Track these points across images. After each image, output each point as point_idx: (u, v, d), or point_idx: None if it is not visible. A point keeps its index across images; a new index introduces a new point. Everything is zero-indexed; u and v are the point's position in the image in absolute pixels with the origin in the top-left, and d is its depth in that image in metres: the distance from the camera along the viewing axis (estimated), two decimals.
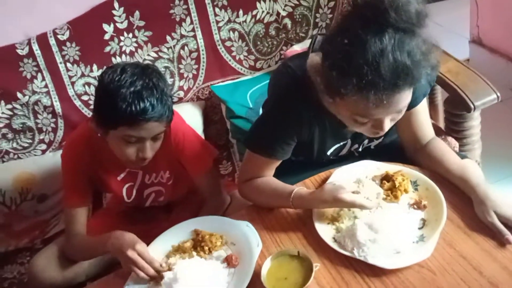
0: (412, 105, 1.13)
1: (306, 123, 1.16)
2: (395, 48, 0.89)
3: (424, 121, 1.22)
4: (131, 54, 1.72)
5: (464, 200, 1.06)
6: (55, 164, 1.66)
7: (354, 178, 1.15)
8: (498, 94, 1.37)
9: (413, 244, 0.99)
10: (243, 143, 1.30)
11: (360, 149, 1.31)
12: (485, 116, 1.49)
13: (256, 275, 0.99)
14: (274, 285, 0.95)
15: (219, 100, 1.75)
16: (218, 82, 1.81)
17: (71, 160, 1.34)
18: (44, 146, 1.72)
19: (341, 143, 1.26)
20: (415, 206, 1.08)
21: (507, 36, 2.43)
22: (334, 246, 1.02)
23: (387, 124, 1.02)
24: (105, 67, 1.67)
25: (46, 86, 1.67)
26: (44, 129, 1.71)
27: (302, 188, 1.16)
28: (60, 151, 1.70)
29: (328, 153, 1.27)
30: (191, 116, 1.77)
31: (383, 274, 0.95)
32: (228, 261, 1.06)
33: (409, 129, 1.22)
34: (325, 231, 1.06)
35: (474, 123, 1.45)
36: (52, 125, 1.71)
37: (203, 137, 1.75)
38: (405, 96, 0.96)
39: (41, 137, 1.71)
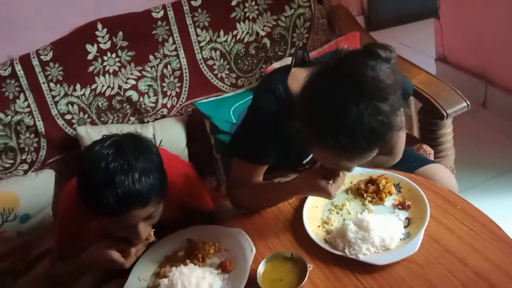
0: None
1: (282, 137, 1.18)
2: (371, 116, 0.90)
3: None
4: (115, 73, 1.75)
5: (445, 199, 1.12)
6: (38, 184, 1.66)
7: None
8: (468, 102, 1.47)
9: (400, 241, 1.04)
10: (226, 152, 1.28)
11: None
12: (457, 129, 1.58)
13: (251, 280, 1.01)
14: (270, 286, 0.98)
15: (202, 116, 1.79)
16: (201, 99, 1.85)
17: None
18: (26, 166, 1.70)
19: None
20: (399, 207, 1.13)
21: (470, 53, 2.56)
22: (326, 246, 1.05)
23: (354, 168, 1.05)
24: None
25: (28, 106, 1.67)
26: (27, 149, 1.70)
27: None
28: (44, 171, 1.70)
29: (305, 161, 1.32)
30: (174, 133, 1.79)
31: (374, 270, 0.99)
32: (223, 267, 1.08)
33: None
34: (316, 233, 1.10)
35: (447, 130, 1.54)
36: (35, 144, 1.70)
37: (186, 152, 1.77)
38: (375, 152, 0.99)
39: (24, 157, 1.70)
